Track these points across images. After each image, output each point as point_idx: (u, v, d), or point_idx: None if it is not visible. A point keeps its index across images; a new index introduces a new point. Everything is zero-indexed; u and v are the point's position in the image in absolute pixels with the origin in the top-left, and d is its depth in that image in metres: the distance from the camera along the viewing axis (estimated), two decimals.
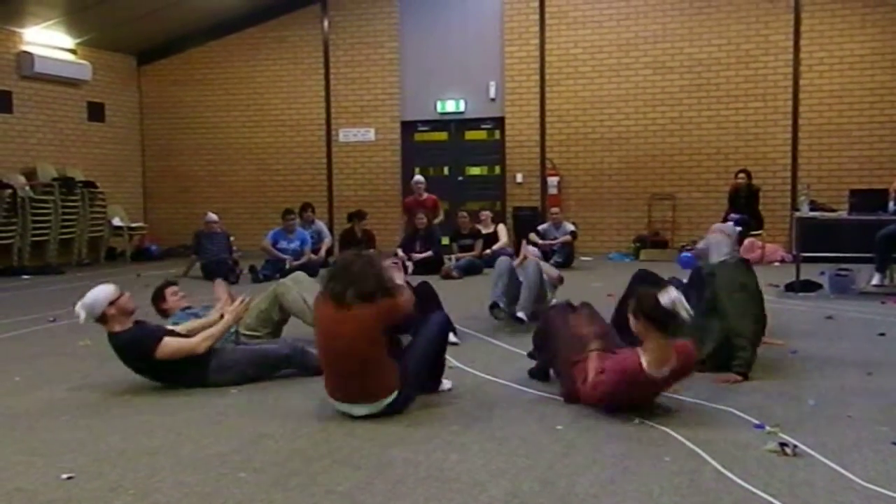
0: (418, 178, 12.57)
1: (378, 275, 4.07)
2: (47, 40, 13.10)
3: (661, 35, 12.94)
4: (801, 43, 12.33)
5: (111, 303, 4.60)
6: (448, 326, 4.73)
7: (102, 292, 4.62)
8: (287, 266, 10.39)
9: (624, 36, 13.11)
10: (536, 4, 13.41)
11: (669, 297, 3.84)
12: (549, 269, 7.35)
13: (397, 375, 4.08)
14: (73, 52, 13.65)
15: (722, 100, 12.76)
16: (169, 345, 4.59)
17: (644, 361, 3.85)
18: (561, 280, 7.34)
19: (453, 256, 11.20)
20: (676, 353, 3.89)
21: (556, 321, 4.64)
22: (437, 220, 12.20)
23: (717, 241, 5.45)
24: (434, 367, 4.49)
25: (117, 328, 4.63)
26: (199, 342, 4.65)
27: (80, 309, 4.59)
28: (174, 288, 5.72)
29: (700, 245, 5.60)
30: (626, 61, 13.12)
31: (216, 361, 4.78)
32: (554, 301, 7.17)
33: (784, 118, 12.50)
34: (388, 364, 4.06)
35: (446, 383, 4.67)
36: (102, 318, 4.62)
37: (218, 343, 4.83)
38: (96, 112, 14.39)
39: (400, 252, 11.26)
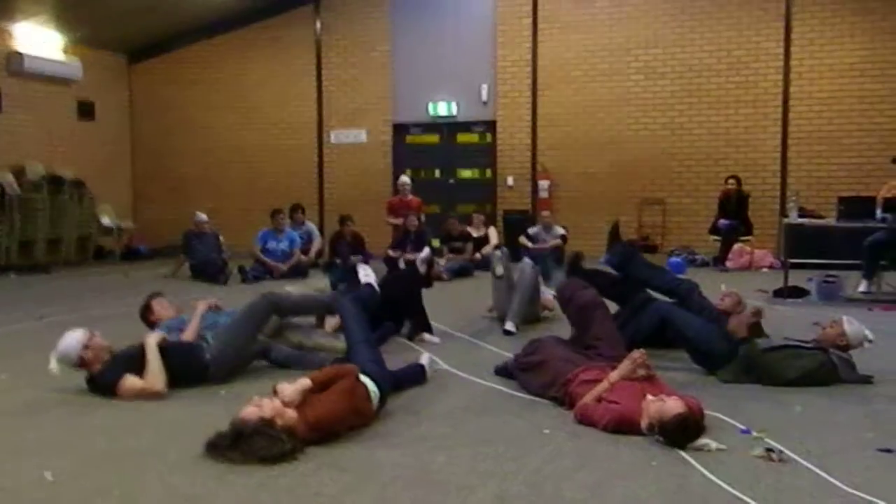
0: (405, 179, 12.59)
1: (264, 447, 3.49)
2: (38, 38, 13.03)
3: (653, 41, 12.98)
4: (791, 50, 12.39)
5: (85, 346, 4.53)
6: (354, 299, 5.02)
7: (72, 339, 4.54)
8: (278, 272, 10.47)
9: (616, 41, 13.15)
10: (529, 8, 13.43)
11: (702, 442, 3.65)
12: (546, 297, 7.24)
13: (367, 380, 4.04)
14: (63, 50, 13.59)
15: (712, 106, 12.81)
16: (127, 389, 4.49)
17: (643, 422, 3.74)
18: (552, 308, 7.25)
19: (443, 260, 11.21)
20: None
21: (544, 346, 4.66)
22: None
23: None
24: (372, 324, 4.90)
25: (97, 367, 4.55)
26: (152, 383, 4.52)
27: (54, 361, 4.50)
28: (160, 298, 5.69)
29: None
30: (618, 66, 13.15)
31: (209, 353, 4.83)
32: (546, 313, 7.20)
33: (774, 125, 12.55)
34: (358, 393, 3.94)
35: (425, 357, 5.07)
36: (81, 364, 4.55)
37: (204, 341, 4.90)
38: (86, 110, 14.33)
39: (391, 252, 11.29)
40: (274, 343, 5.39)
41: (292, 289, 5.81)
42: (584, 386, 4.12)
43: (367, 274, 5.93)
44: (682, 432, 3.59)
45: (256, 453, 3.40)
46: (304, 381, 3.78)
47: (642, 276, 5.70)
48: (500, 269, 6.82)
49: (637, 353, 4.12)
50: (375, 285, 5.80)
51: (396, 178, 13.71)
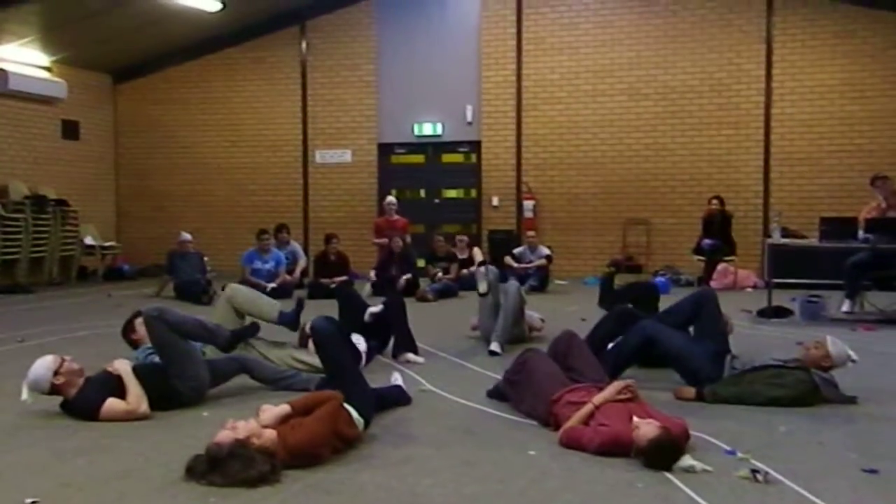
0: (391, 199, 12.57)
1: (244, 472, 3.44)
2: (22, 58, 13.00)
3: (636, 62, 13.10)
4: (772, 72, 12.53)
5: (56, 372, 4.46)
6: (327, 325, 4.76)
7: (42, 367, 4.47)
8: (266, 290, 10.35)
9: (600, 62, 13.25)
10: (514, 30, 13.53)
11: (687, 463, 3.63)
12: (532, 319, 7.27)
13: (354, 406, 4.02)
14: (48, 69, 13.56)
15: (695, 127, 12.91)
16: (110, 412, 4.44)
17: (634, 447, 3.72)
18: (540, 328, 7.25)
19: (432, 275, 11.22)
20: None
21: (532, 362, 4.64)
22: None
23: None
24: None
25: (73, 392, 4.50)
26: (137, 405, 4.48)
27: (26, 389, 4.45)
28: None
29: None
30: (602, 87, 13.25)
31: (175, 371, 4.76)
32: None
33: (756, 146, 12.67)
34: (341, 419, 3.90)
35: (397, 377, 5.11)
36: (54, 390, 4.49)
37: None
38: (71, 130, 14.28)
39: (372, 274, 11.28)
40: (255, 360, 5.35)
41: (237, 293, 5.80)
42: (570, 407, 4.10)
43: (358, 342, 5.88)
44: (659, 456, 3.59)
45: (234, 476, 3.36)
46: (284, 407, 3.76)
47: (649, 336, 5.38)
48: (483, 287, 6.76)
49: (622, 384, 4.12)
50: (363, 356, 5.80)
51: (382, 198, 13.72)
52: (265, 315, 5.72)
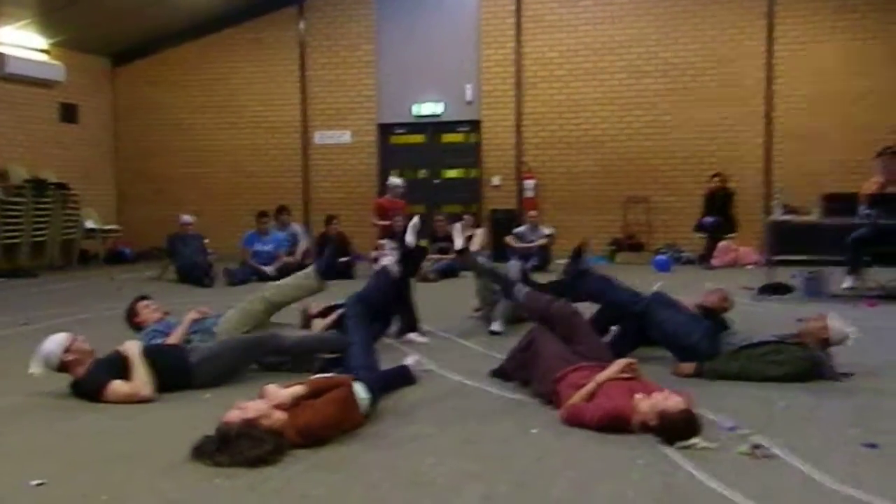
0: (398, 181, 12.42)
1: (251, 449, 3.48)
2: (20, 41, 12.95)
3: (637, 39, 13.03)
4: (774, 48, 12.47)
5: (66, 349, 4.50)
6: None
7: (53, 342, 4.52)
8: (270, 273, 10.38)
9: (599, 40, 13.19)
10: (513, 8, 13.45)
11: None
12: None
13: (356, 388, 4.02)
14: (46, 52, 13.50)
15: (696, 104, 12.87)
16: (113, 394, 4.46)
17: (635, 419, 3.77)
18: None
19: (431, 258, 11.23)
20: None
21: (539, 340, 4.65)
22: None
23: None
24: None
25: (81, 371, 4.53)
26: (139, 389, 4.49)
27: (35, 364, 4.48)
28: (146, 301, 5.67)
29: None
30: (602, 65, 13.20)
31: (194, 356, 4.81)
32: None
33: (757, 122, 12.63)
34: (350, 404, 3.91)
35: (410, 359, 5.07)
36: (63, 367, 4.52)
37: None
38: (69, 113, 14.25)
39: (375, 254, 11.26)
40: (272, 335, 5.28)
41: (276, 289, 5.78)
42: (574, 388, 4.12)
43: (393, 249, 5.98)
44: (685, 427, 3.62)
45: (243, 455, 3.40)
46: (296, 388, 3.79)
47: (593, 291, 5.49)
48: (458, 242, 6.66)
49: (626, 362, 4.15)
50: (394, 269, 5.86)
51: (381, 178, 13.70)
52: (304, 287, 5.68)
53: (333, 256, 5.82)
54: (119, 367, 4.57)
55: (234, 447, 3.43)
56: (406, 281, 6.56)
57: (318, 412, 3.70)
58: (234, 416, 3.59)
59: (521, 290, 5.26)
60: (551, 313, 4.81)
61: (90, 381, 4.51)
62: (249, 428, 3.50)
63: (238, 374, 4.99)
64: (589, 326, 4.90)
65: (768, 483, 3.20)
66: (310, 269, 5.78)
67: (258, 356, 5.13)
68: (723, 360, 4.90)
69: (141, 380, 4.52)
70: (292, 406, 3.71)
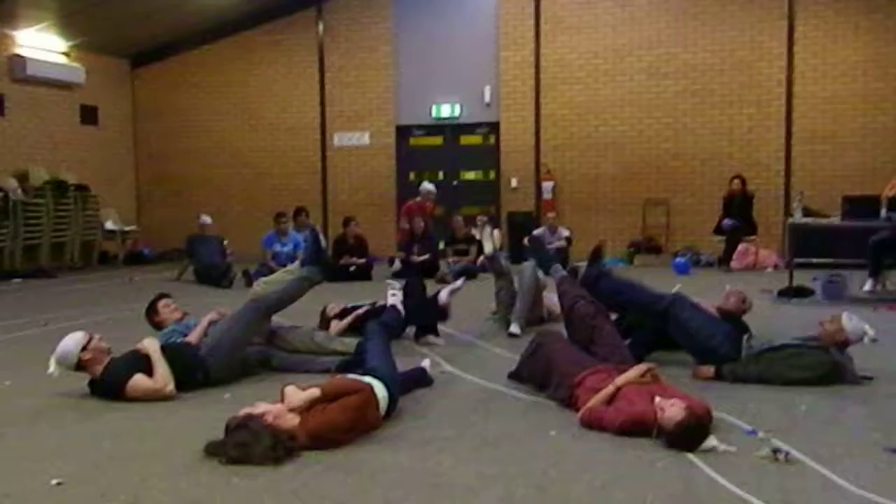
0: (431, 187, 12.21)
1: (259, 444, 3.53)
2: (40, 43, 13.06)
3: (656, 41, 12.97)
4: (794, 49, 12.36)
5: (84, 347, 4.53)
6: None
7: (72, 340, 4.56)
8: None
9: (619, 42, 13.13)
10: (532, 10, 13.42)
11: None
12: (552, 304, 7.18)
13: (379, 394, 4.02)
14: (66, 54, 13.61)
15: (716, 106, 12.78)
16: (136, 389, 4.50)
17: (657, 428, 3.71)
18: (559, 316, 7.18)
19: (449, 261, 11.24)
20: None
21: (547, 346, 4.63)
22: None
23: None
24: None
25: (98, 369, 4.56)
26: (163, 385, 4.53)
27: (53, 363, 4.51)
28: (166, 300, 5.70)
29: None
30: (621, 67, 13.14)
31: (204, 350, 4.89)
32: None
33: (778, 124, 12.53)
34: (369, 408, 3.92)
35: (426, 361, 5.08)
36: (80, 366, 4.55)
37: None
38: (89, 115, 14.35)
39: (398, 257, 11.31)
40: (274, 351, 5.40)
41: (264, 284, 5.85)
42: (592, 392, 4.10)
43: (393, 294, 5.89)
44: (686, 438, 3.59)
45: (241, 446, 3.45)
46: (314, 391, 3.80)
47: (613, 291, 5.41)
48: (489, 247, 6.69)
49: (645, 366, 4.13)
50: (401, 308, 5.79)
51: (400, 180, 13.72)
52: (294, 286, 5.65)
53: (316, 244, 5.78)
54: (139, 364, 4.60)
55: (231, 436, 3.52)
56: (421, 283, 6.55)
57: (329, 417, 3.71)
58: (243, 411, 3.69)
59: (559, 271, 5.45)
60: (574, 312, 4.83)
61: (112, 377, 4.54)
62: (250, 421, 3.58)
63: (245, 354, 5.09)
64: (613, 329, 4.87)
65: (789, 487, 3.17)
66: (295, 270, 5.86)
67: (255, 326, 5.19)
68: (743, 364, 4.86)
69: (163, 375, 4.55)
70: (306, 409, 3.72)
